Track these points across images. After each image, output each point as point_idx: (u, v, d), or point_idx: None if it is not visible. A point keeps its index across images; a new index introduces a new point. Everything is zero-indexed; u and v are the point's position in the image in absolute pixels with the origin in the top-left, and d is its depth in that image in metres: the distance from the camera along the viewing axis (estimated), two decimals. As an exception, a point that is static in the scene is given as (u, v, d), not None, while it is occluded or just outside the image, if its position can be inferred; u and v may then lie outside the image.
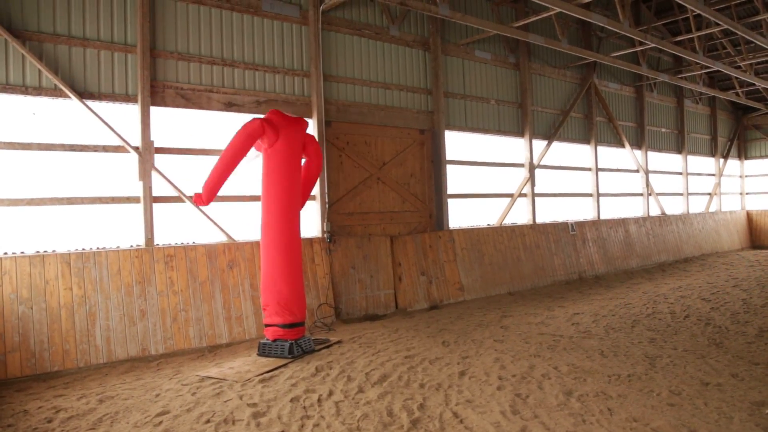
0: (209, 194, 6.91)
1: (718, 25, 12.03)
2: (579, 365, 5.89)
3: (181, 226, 7.81)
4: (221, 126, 8.25)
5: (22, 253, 6.54)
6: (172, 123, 7.82)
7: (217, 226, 7.93)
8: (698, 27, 13.92)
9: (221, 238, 7.99)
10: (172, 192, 7.62)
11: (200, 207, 7.68)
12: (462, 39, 11.30)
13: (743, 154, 21.71)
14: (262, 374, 5.94)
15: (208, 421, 4.61)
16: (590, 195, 14.51)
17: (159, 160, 7.55)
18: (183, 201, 7.68)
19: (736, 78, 18.04)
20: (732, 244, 19.49)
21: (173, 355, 6.92)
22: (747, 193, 21.79)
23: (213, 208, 8.00)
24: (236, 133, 6.86)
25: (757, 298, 9.58)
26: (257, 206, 8.39)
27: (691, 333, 7.22)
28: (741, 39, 15.29)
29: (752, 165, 21.71)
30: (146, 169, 7.36)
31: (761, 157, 21.38)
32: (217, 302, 7.47)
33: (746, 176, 21.79)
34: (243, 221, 8.32)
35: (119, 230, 7.35)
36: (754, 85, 17.99)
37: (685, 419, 4.36)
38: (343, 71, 9.50)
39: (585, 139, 14.41)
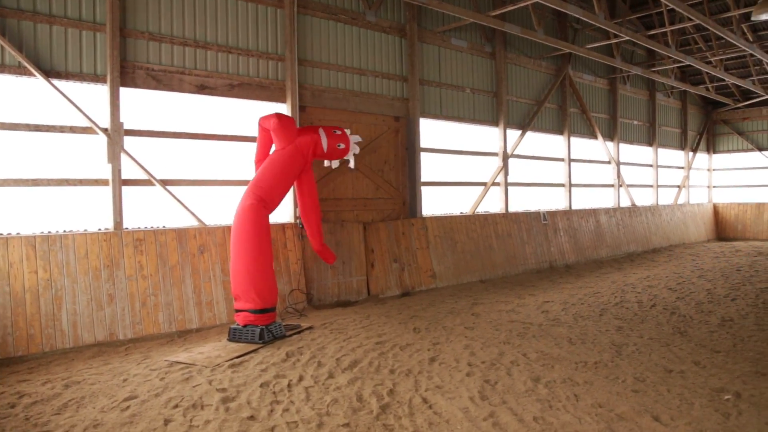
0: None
1: (690, 20, 12.19)
2: (547, 352, 5.99)
3: (151, 210, 7.69)
4: (193, 109, 8.12)
5: (-15, 235, 6.37)
6: (143, 105, 7.66)
7: (188, 210, 7.82)
8: (671, 21, 14.11)
9: (192, 223, 7.89)
10: (142, 175, 7.48)
11: (167, 185, 7.59)
12: (439, 26, 11.27)
13: (711, 148, 22.17)
14: (232, 359, 5.90)
15: (176, 406, 4.58)
16: (563, 185, 14.68)
17: (129, 142, 7.40)
18: (153, 184, 7.55)
19: (707, 73, 18.37)
20: (699, 236, 19.94)
21: (142, 340, 6.83)
22: (714, 186, 22.29)
23: (183, 191, 7.89)
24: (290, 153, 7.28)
25: (721, 288, 9.84)
26: (228, 191, 8.34)
27: (657, 322, 7.39)
28: (712, 35, 15.56)
29: (720, 159, 22.20)
30: (115, 151, 7.21)
31: (729, 151, 21.87)
32: (188, 287, 7.38)
33: (714, 170, 22.28)
34: (214, 206, 8.22)
35: (87, 213, 7.20)
36: (723, 80, 18.35)
37: (648, 405, 4.46)
38: (319, 56, 9.41)
39: (559, 130, 14.54)
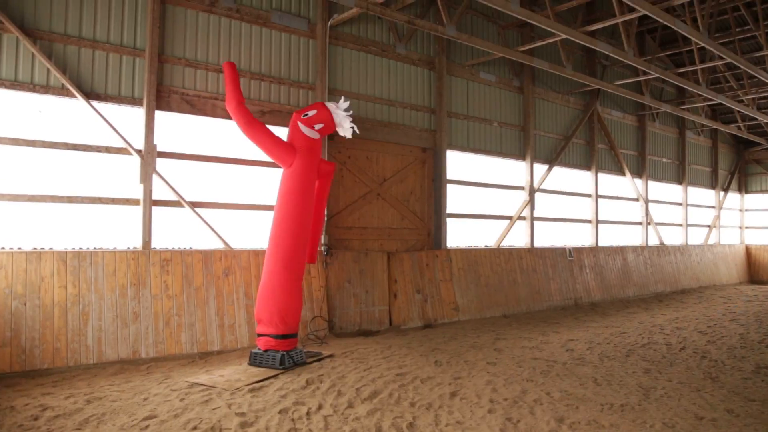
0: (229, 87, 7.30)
1: (721, 58, 12.13)
2: (572, 392, 5.84)
3: (179, 231, 7.79)
4: (224, 134, 8.26)
5: (19, 248, 6.52)
6: (176, 128, 7.83)
7: (215, 232, 7.91)
8: (702, 60, 14.04)
9: (218, 245, 7.97)
10: (172, 196, 7.61)
11: (195, 207, 7.70)
12: (467, 60, 11.38)
13: (744, 188, 21.77)
14: (252, 384, 5.88)
15: (195, 428, 4.56)
16: (589, 221, 14.52)
17: (161, 164, 7.55)
18: (182, 206, 7.67)
19: (739, 111, 18.15)
20: (730, 278, 19.46)
21: (164, 359, 6.86)
22: (746, 227, 21.81)
23: (211, 214, 8.00)
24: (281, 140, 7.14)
25: (755, 333, 9.54)
26: (255, 215, 8.42)
27: (687, 365, 7.17)
28: (744, 73, 15.42)
29: (752, 199, 21.76)
30: (148, 172, 7.35)
31: (762, 191, 21.44)
32: (211, 309, 7.42)
33: (746, 210, 21.83)
34: (241, 229, 8.30)
35: (117, 231, 7.32)
36: (756, 119, 18.10)
37: (677, 451, 4.30)
38: (348, 86, 9.55)
39: (586, 166, 14.45)
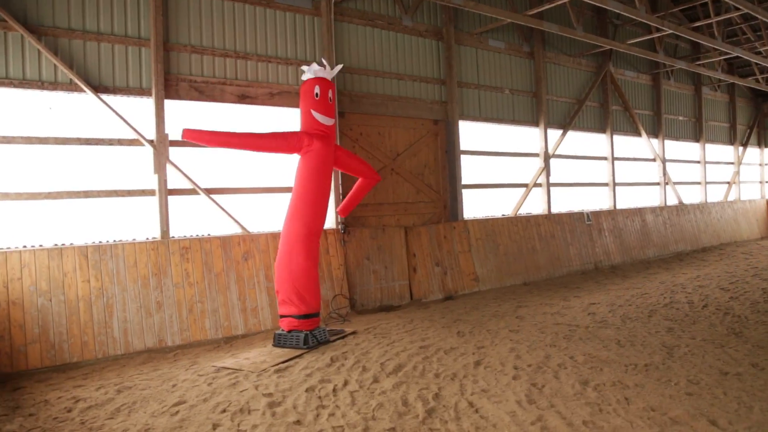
0: (195, 137, 6.56)
1: (737, 9, 11.79)
2: (595, 355, 5.85)
3: (196, 219, 7.86)
4: (235, 118, 8.27)
5: (41, 246, 6.63)
6: (186, 116, 7.85)
7: (232, 217, 7.96)
8: (717, 12, 13.65)
9: (236, 230, 8.03)
10: (186, 184, 7.66)
11: (211, 194, 7.76)
12: (475, 28, 11.21)
13: (763, 142, 21.33)
14: (277, 364, 5.97)
15: (224, 411, 4.65)
16: (606, 184, 14.36)
17: (174, 153, 7.59)
18: (197, 193, 7.73)
19: (756, 64, 17.69)
20: (751, 234, 19.20)
21: (189, 346, 6.98)
22: (767, 182, 21.42)
23: (227, 200, 8.04)
24: (279, 134, 6.97)
25: (778, 287, 9.45)
26: (271, 198, 8.45)
27: (710, 322, 7.13)
28: (761, 23, 14.98)
29: (772, 153, 21.34)
30: (161, 162, 7.40)
31: (782, 144, 21.01)
32: (233, 294, 7.51)
33: (766, 164, 21.42)
34: (257, 213, 8.35)
35: (135, 223, 7.41)
36: (774, 71, 17.66)
37: (704, 408, 4.31)
38: (356, 62, 9.47)
39: (601, 128, 14.25)
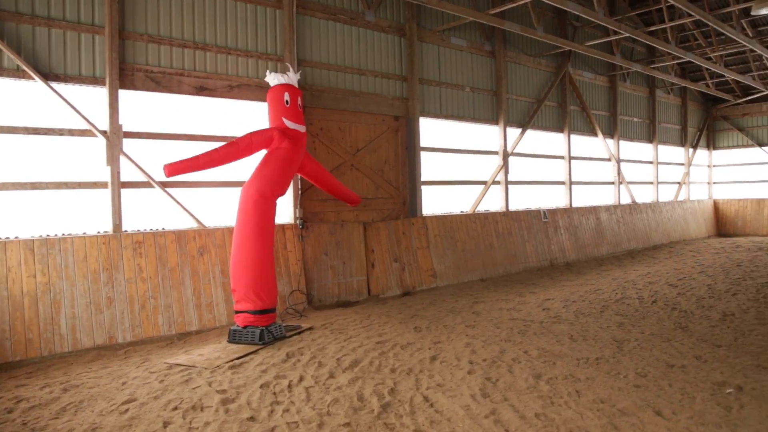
0: (175, 171, 6.61)
1: (690, 15, 12.16)
2: (549, 349, 5.96)
3: (150, 212, 7.68)
4: (192, 110, 8.11)
5: (-16, 238, 6.37)
6: (142, 107, 7.66)
7: (187, 211, 7.81)
8: (671, 18, 14.07)
9: (191, 224, 7.88)
10: (141, 177, 7.48)
11: (166, 187, 7.60)
12: (438, 25, 11.26)
13: (712, 145, 22.12)
14: (232, 361, 5.89)
15: (175, 408, 4.56)
16: (563, 183, 14.65)
17: (127, 144, 7.39)
18: (152, 186, 7.55)
19: (707, 69, 18.33)
20: (699, 232, 19.89)
21: (141, 343, 6.82)
22: (714, 183, 22.23)
23: (182, 193, 7.89)
24: (249, 134, 7.11)
25: (722, 283, 9.80)
26: (228, 192, 8.32)
27: (658, 317, 7.36)
28: (712, 30, 15.52)
29: (720, 155, 22.14)
30: (114, 153, 7.20)
31: (729, 147, 21.81)
32: (187, 289, 7.37)
33: (714, 166, 22.21)
34: (214, 207, 8.21)
35: (86, 216, 7.19)
36: (723, 76, 18.30)
37: (650, 400, 4.44)
38: (318, 56, 9.40)
39: (559, 128, 14.52)
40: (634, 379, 4.95)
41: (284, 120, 7.39)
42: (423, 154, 10.93)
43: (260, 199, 6.83)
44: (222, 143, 8.28)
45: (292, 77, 7.63)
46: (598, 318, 7.43)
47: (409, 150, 10.65)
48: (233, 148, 6.95)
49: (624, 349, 5.92)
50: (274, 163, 7.13)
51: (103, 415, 4.47)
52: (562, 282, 10.70)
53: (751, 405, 4.29)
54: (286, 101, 7.41)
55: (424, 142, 10.99)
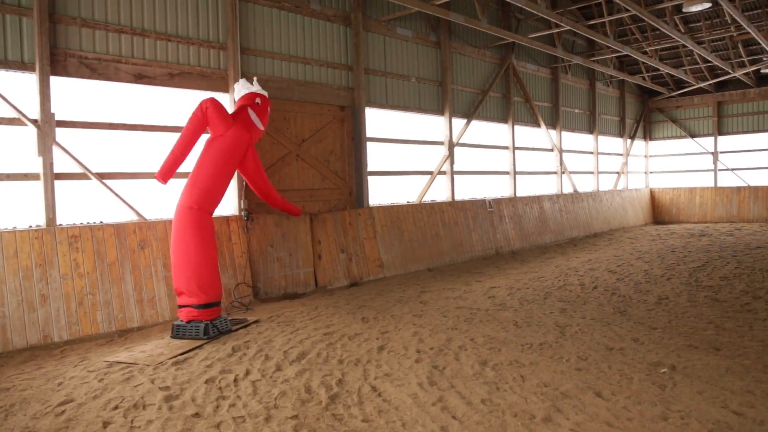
0: (166, 174, 6.98)
1: (627, 11, 12.54)
2: (494, 336, 6.07)
3: (87, 205, 7.38)
4: (131, 99, 7.81)
5: None
6: (77, 95, 7.33)
7: (127, 204, 7.54)
8: (610, 12, 14.48)
9: (131, 217, 7.61)
10: (76, 168, 7.16)
11: (104, 179, 7.32)
12: (383, 15, 11.22)
13: (648, 135, 22.99)
14: (175, 356, 5.74)
15: (116, 408, 4.41)
16: (507, 173, 14.93)
17: (61, 134, 7.06)
18: (89, 178, 7.24)
19: (643, 63, 18.97)
20: (637, 220, 20.69)
21: (79, 341, 6.55)
22: (651, 172, 23.15)
23: (121, 185, 7.61)
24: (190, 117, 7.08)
25: (658, 269, 10.22)
26: (170, 183, 8.07)
27: (599, 303, 7.61)
28: (648, 25, 16.05)
29: (656, 146, 23.05)
30: (46, 143, 6.86)
31: (664, 138, 22.73)
32: (128, 284, 7.13)
33: (650, 156, 23.12)
34: (155, 199, 7.96)
35: (16, 210, 6.83)
36: (658, 70, 19.01)
37: (591, 382, 4.59)
38: (262, 45, 9.21)
39: (503, 119, 14.76)
40: (576, 362, 5.11)
41: (250, 110, 7.47)
42: (369, 145, 10.90)
43: (196, 210, 6.75)
44: (161, 133, 8.07)
45: (258, 86, 7.87)
46: (542, 304, 7.62)
47: (356, 140, 10.60)
48: (195, 120, 6.98)
49: (566, 333, 6.09)
50: (211, 165, 6.94)
51: (36, 418, 4.28)
52: (507, 270, 10.92)
53: (683, 383, 4.49)
54: (257, 101, 7.64)
55: (370, 132, 10.96)
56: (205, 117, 7.02)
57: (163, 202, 7.98)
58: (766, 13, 15.23)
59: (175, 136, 8.13)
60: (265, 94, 7.87)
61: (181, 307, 6.57)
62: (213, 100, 7.08)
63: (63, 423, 4.16)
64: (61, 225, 6.94)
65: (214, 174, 6.94)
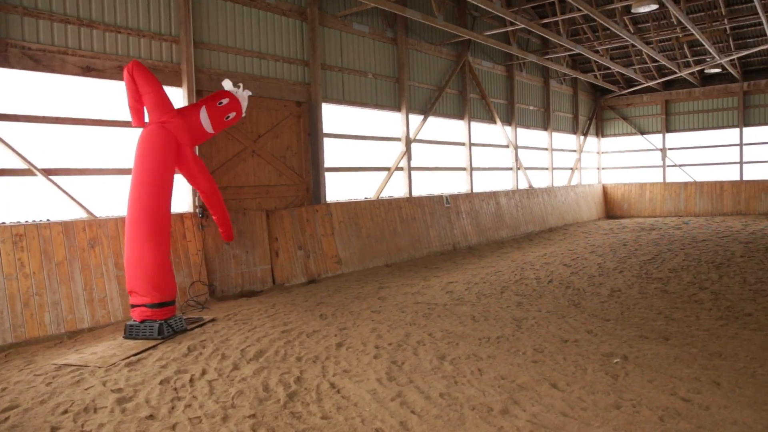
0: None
1: (579, 10, 12.82)
2: (452, 331, 6.12)
3: (33, 203, 7.09)
4: (78, 92, 7.55)
5: None
6: (20, 87, 7.03)
7: (75, 201, 7.29)
8: (563, 11, 14.78)
9: (81, 215, 7.36)
10: (20, 164, 6.87)
11: (50, 175, 7.05)
12: (340, 11, 11.16)
13: (600, 132, 23.60)
14: (128, 357, 5.58)
15: (65, 412, 4.26)
16: (464, 169, 15.08)
17: (3, 128, 6.76)
18: (34, 174, 6.96)
19: (595, 61, 19.45)
20: (590, 215, 21.22)
21: (25, 344, 6.29)
22: (603, 168, 23.77)
23: (69, 182, 7.35)
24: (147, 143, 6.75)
25: (610, 262, 10.50)
26: (121, 180, 7.85)
27: (554, 296, 7.76)
28: (599, 25, 16.47)
29: (607, 142, 23.68)
30: (-13, 138, 6.56)
31: (615, 135, 23.37)
32: (77, 284, 6.89)
33: (602, 152, 23.73)
34: (105, 196, 7.72)
35: (-45, 207, 6.53)
36: (609, 68, 19.52)
37: (547, 373, 4.67)
38: (216, 39, 9.03)
39: (459, 115, 14.89)
40: (532, 355, 5.19)
41: (202, 109, 7.19)
42: (326, 141, 10.84)
43: (147, 206, 6.54)
44: (110, 128, 7.83)
45: (241, 94, 7.64)
46: (499, 298, 7.72)
47: (312, 136, 10.52)
48: (128, 87, 6.81)
49: (523, 327, 6.19)
50: (149, 160, 6.66)
51: (-21, 424, 4.09)
52: (464, 265, 11.03)
53: (635, 372, 4.62)
54: (222, 102, 7.37)
55: (327, 128, 10.90)
56: (133, 78, 6.74)
57: (113, 198, 7.75)
58: (709, 15, 15.81)
59: (125, 131, 7.94)
60: (242, 101, 7.60)
61: (134, 306, 6.40)
62: (136, 62, 6.79)
63: (7, 430, 3.99)
64: (4, 223, 6.65)
65: (154, 168, 6.64)
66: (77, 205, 7.30)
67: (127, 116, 7.83)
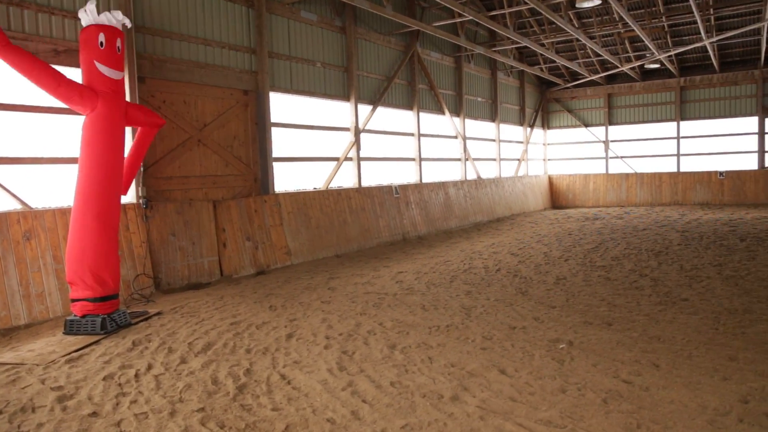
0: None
1: (526, 3, 13.03)
2: (402, 320, 6.16)
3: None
4: (9, 77, 7.16)
5: None
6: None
7: (9, 192, 6.93)
8: (510, 4, 14.99)
9: (15, 206, 7.01)
10: (-54, 153, 6.49)
11: None
12: (287, -2, 10.98)
13: (546, 124, 24.16)
14: (69, 354, 5.37)
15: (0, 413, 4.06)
16: (413, 159, 15.15)
17: (-73, 114, 6.37)
18: (-38, 163, 6.59)
19: (541, 54, 19.85)
20: (537, 205, 21.73)
21: (-44, 341, 5.98)
22: (549, 160, 24.37)
23: (3, 171, 6.99)
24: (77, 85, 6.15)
25: (556, 251, 10.78)
26: (59, 169, 7.53)
27: (502, 284, 7.91)
28: (545, 19, 16.79)
29: (553, 134, 24.27)
30: None
31: (560, 127, 23.98)
32: (12, 279, 6.57)
33: (548, 144, 24.31)
34: (42, 187, 7.38)
35: None
36: (555, 61, 19.95)
37: (496, 360, 4.76)
38: (159, 23, 8.73)
39: (408, 106, 14.94)
40: (481, 342, 5.28)
41: (96, 64, 6.28)
42: (274, 130, 10.68)
43: (98, 179, 6.20)
44: (45, 114, 7.48)
45: (112, 17, 6.41)
46: (448, 288, 7.82)
47: (260, 125, 10.34)
48: (58, 84, 5.99)
49: (472, 315, 6.28)
50: (100, 139, 6.25)
51: None
52: (414, 255, 11.11)
53: (580, 357, 4.77)
54: (101, 43, 6.28)
55: (275, 117, 10.73)
56: (83, 102, 6.23)
57: (51, 189, 7.42)
58: (648, 13, 16.36)
59: (62, 118, 7.60)
60: (116, 24, 6.39)
61: (74, 301, 6.15)
62: (73, 87, 6.13)
63: (-64, 432, 3.78)
64: (-70, 215, 6.27)
65: (104, 169, 6.27)
66: (11, 195, 6.95)
67: (59, 103, 7.53)
